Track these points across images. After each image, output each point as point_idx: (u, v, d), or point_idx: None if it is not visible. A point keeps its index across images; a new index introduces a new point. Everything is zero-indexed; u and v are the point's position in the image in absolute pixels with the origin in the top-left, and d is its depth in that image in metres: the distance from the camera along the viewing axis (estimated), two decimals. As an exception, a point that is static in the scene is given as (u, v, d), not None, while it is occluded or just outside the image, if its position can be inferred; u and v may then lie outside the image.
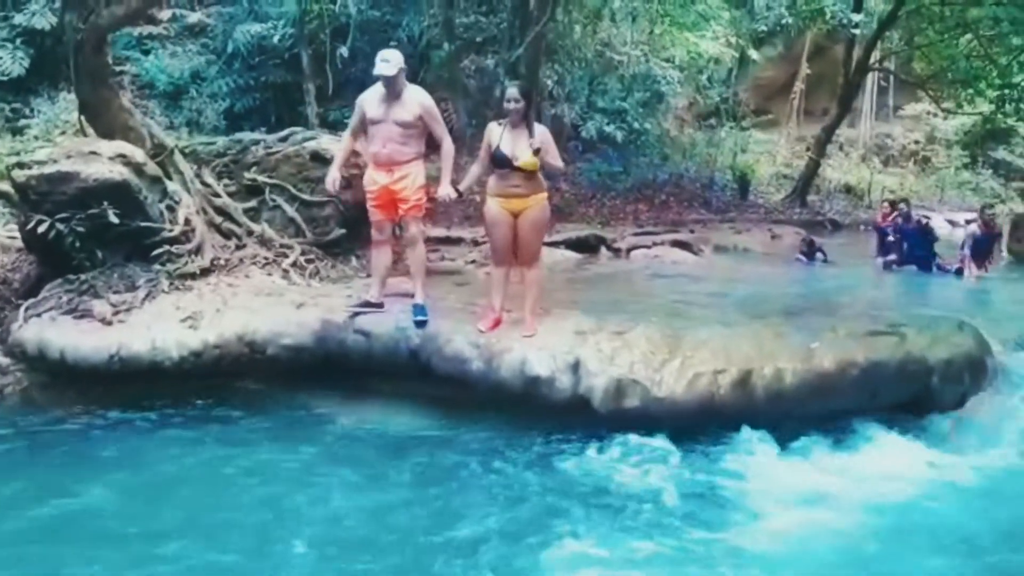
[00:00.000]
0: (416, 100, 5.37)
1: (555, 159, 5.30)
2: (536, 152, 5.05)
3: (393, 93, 5.31)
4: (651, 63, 17.56)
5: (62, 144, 6.60)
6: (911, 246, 10.61)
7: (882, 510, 4.23)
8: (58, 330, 5.61)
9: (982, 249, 10.30)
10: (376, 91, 5.41)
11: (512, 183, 5.18)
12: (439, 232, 10.02)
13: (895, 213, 11.28)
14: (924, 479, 4.58)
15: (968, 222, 11.58)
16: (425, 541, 3.86)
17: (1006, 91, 17.30)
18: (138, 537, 3.86)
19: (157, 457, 4.81)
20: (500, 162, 5.16)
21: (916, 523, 4.13)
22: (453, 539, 3.88)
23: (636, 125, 17.29)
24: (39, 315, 5.79)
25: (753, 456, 4.76)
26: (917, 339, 5.29)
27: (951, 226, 19.86)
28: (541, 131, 5.20)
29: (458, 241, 9.86)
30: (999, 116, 19.58)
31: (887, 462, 4.75)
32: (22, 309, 5.84)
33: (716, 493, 4.41)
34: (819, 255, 11.36)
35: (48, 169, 5.87)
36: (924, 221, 10.82)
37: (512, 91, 5.14)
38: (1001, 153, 22.65)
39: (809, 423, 5.05)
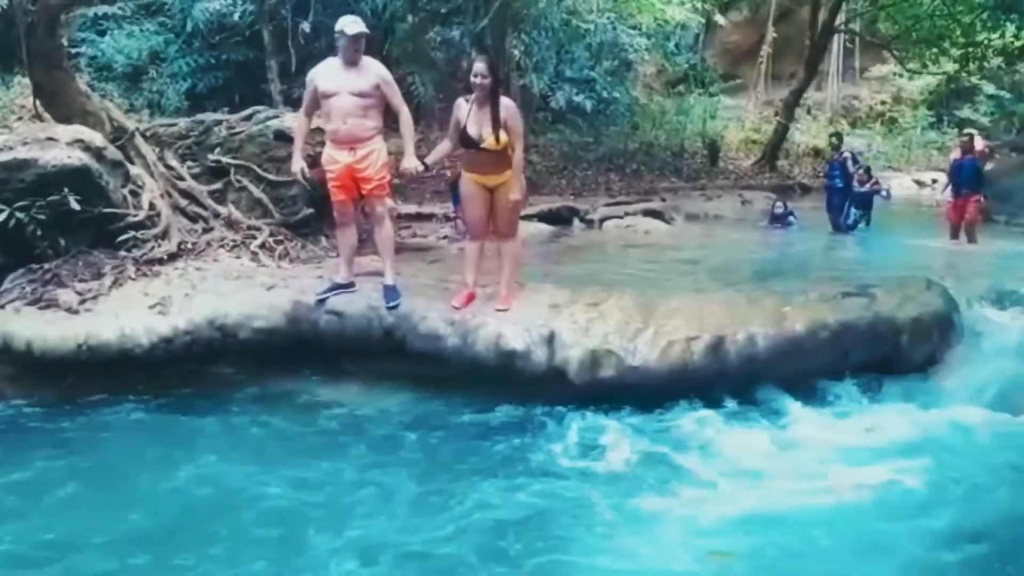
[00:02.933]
0: (373, 70, 5.24)
1: (518, 142, 5.10)
2: (501, 132, 4.97)
3: (351, 59, 5.16)
4: (618, 31, 17.42)
5: (18, 130, 6.41)
6: (830, 179, 10.74)
7: (856, 470, 4.30)
8: (23, 321, 5.48)
9: (965, 179, 9.36)
10: (329, 64, 5.27)
11: (482, 161, 5.12)
12: (410, 208, 9.96)
13: (872, 181, 11.25)
14: (895, 438, 4.65)
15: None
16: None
17: (970, 49, 17.45)
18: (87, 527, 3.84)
19: (122, 446, 4.75)
20: (467, 142, 5.09)
21: (890, 482, 4.19)
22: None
23: (605, 94, 17.21)
24: (3, 307, 5.64)
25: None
26: (886, 299, 5.36)
27: (918, 186, 20.12)
28: (508, 106, 5.06)
29: (429, 217, 9.81)
30: (963, 75, 19.77)
31: (859, 421, 4.82)
32: (-16, 301, 5.70)
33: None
34: (791, 219, 11.44)
35: (4, 156, 5.70)
36: (845, 155, 10.81)
37: (480, 65, 4.98)
38: (966, 111, 22.86)
39: (780, 385, 5.11)
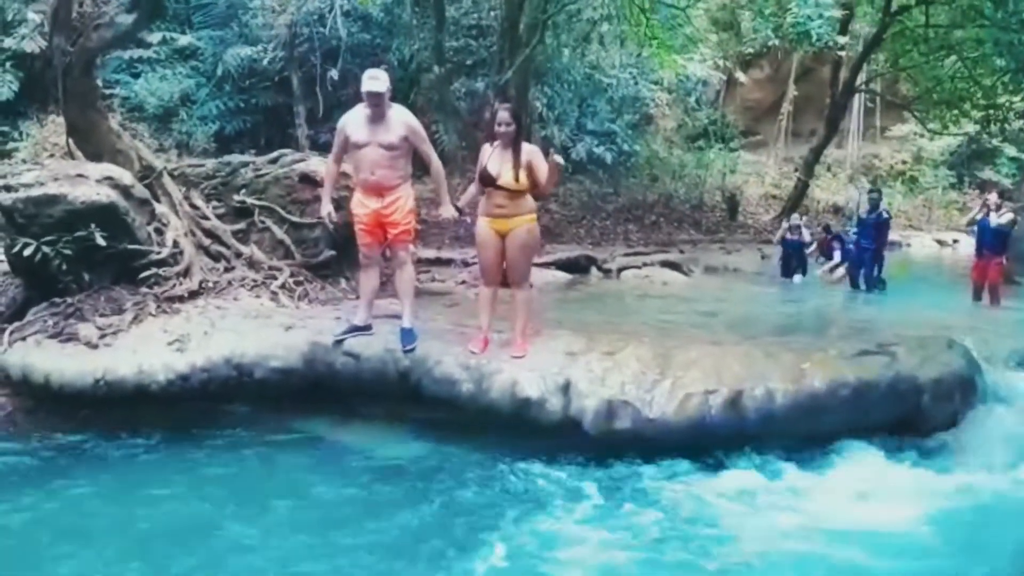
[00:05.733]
0: (401, 120, 5.30)
1: (541, 176, 5.15)
2: (521, 173, 5.04)
3: (378, 113, 5.23)
4: (640, 85, 17.72)
5: (49, 166, 6.55)
6: (861, 236, 10.48)
7: (872, 532, 4.20)
8: (43, 354, 5.54)
9: (988, 240, 9.12)
10: (359, 113, 5.33)
11: (497, 203, 5.18)
12: (429, 253, 10.02)
13: (829, 237, 11.39)
14: (915, 500, 4.54)
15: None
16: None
17: (991, 112, 17.54)
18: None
19: (133, 483, 4.72)
20: (485, 180, 5.17)
21: (906, 546, 4.09)
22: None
23: (626, 147, 17.41)
24: (24, 339, 5.72)
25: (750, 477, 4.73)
26: (907, 358, 5.28)
27: (939, 245, 20.03)
28: (530, 149, 5.18)
29: (448, 262, 9.86)
30: (984, 136, 19.82)
31: (878, 483, 4.72)
32: (7, 333, 5.76)
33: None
34: (805, 234, 11.51)
35: (35, 191, 5.82)
36: (885, 215, 10.62)
37: (503, 114, 5.14)
38: (987, 173, 22.87)
39: (799, 443, 5.03)
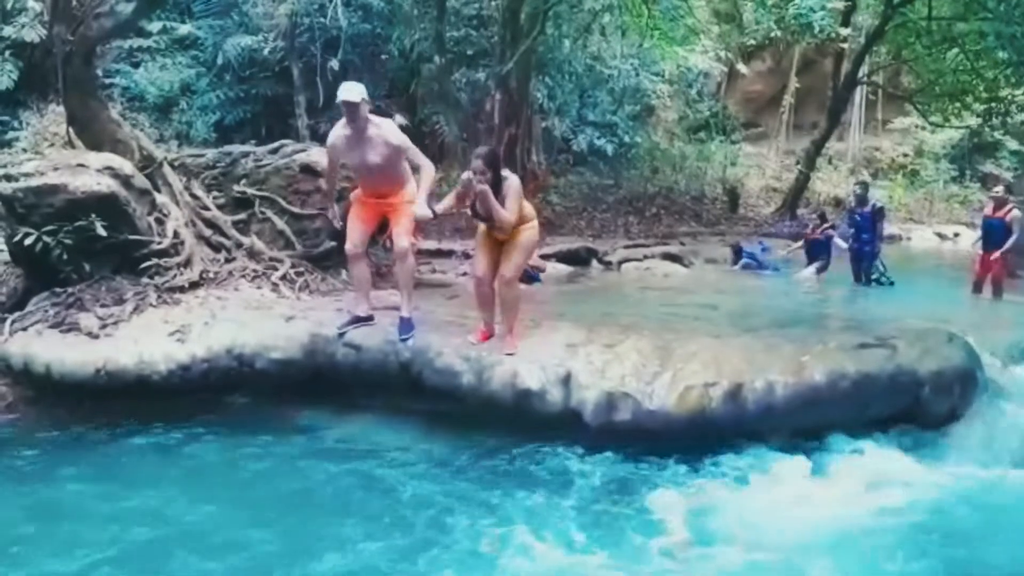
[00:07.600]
0: (382, 140, 5.24)
1: (501, 212, 4.99)
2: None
3: (358, 128, 5.19)
4: (641, 77, 17.66)
5: (50, 156, 6.55)
6: (859, 231, 10.27)
7: (869, 524, 4.21)
8: (44, 344, 5.54)
9: (994, 238, 9.13)
10: (341, 132, 5.31)
11: (493, 228, 5.18)
12: (430, 245, 10.03)
13: (825, 226, 11.42)
14: (914, 493, 4.56)
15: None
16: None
17: (993, 105, 17.51)
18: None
19: (133, 475, 4.72)
20: (477, 216, 5.18)
21: (904, 537, 4.10)
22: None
23: (626, 138, 17.38)
24: (25, 329, 5.72)
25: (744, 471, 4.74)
26: (907, 351, 5.28)
27: (939, 239, 20.01)
28: (509, 187, 5.04)
29: (449, 254, 9.87)
30: (986, 129, 19.79)
31: (877, 475, 4.73)
32: (7, 323, 5.77)
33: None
34: (750, 262, 11.65)
35: (35, 181, 5.82)
36: (880, 206, 10.50)
37: (477, 163, 4.96)
38: (988, 166, 22.84)
39: (799, 435, 5.03)
